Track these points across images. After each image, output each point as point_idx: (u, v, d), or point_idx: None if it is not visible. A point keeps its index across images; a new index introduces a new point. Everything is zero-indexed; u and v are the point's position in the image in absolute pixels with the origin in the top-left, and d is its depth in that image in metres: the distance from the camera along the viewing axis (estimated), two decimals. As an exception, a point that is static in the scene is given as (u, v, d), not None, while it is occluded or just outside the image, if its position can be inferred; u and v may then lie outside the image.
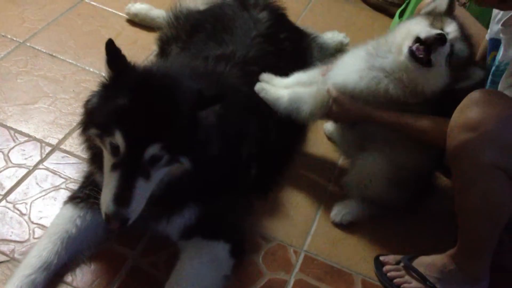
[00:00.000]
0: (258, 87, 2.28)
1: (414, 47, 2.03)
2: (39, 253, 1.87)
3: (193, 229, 1.97)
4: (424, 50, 2.01)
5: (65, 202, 2.03)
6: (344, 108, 2.17)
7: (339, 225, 2.29)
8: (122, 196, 1.69)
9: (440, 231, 2.31)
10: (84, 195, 1.98)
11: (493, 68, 2.03)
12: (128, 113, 1.71)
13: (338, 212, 2.31)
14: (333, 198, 2.38)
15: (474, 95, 1.83)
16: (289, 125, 2.34)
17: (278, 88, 2.29)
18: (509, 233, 2.07)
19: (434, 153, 2.20)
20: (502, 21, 1.97)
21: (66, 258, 1.91)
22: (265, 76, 2.34)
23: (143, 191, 1.72)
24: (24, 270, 1.83)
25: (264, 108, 2.27)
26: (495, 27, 2.10)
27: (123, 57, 1.80)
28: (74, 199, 2.02)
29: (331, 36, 3.20)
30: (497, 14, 2.10)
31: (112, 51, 1.76)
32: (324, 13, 3.65)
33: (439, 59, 2.03)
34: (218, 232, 1.99)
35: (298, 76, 2.35)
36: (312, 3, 3.71)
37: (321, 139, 2.68)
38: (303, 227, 2.28)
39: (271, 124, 2.29)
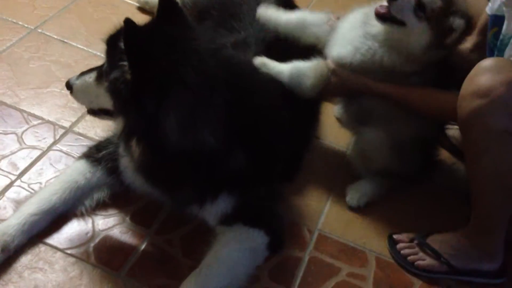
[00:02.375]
0: (258, 61, 2.22)
1: (378, 7, 2.06)
2: (49, 197, 1.96)
3: (233, 216, 1.96)
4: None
5: (80, 157, 2.11)
6: (342, 78, 2.16)
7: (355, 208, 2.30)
8: None
9: (451, 209, 2.32)
10: (101, 157, 2.06)
11: (498, 43, 2.04)
12: None
13: (353, 195, 2.31)
14: (345, 178, 2.39)
15: (484, 63, 1.84)
16: (307, 110, 2.35)
17: (278, 64, 2.24)
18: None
19: (430, 121, 2.22)
20: None
21: (70, 206, 2.00)
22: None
23: None
24: (30, 208, 1.92)
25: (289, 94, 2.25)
26: (496, 3, 2.10)
27: None
28: (89, 157, 2.08)
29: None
30: None
31: None
32: (333, 3, 3.65)
33: (405, 13, 2.03)
34: (260, 221, 1.99)
35: (304, 14, 2.34)
36: (320, -8, 3.72)
37: (333, 123, 2.68)
38: (317, 206, 2.29)
39: (297, 109, 2.27)
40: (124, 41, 1.66)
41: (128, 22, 1.65)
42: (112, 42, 1.84)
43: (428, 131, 2.25)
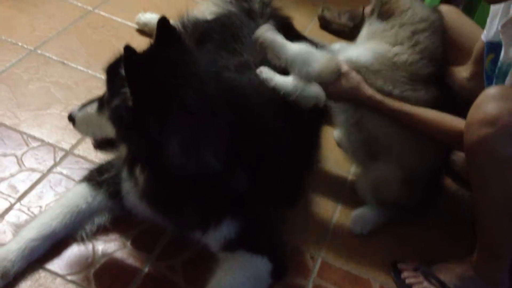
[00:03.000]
0: (260, 71, 2.17)
1: None
2: (49, 222, 1.93)
3: (236, 242, 1.94)
4: None
5: (81, 181, 2.08)
6: (352, 84, 2.10)
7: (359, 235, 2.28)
8: None
9: (456, 236, 2.32)
10: (102, 180, 2.04)
11: (496, 70, 2.05)
12: None
13: (357, 223, 2.30)
14: (348, 203, 2.38)
15: (491, 91, 1.85)
16: (308, 133, 2.35)
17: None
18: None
19: (442, 152, 2.22)
20: (502, 23, 1.99)
21: (70, 231, 1.98)
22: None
23: None
24: (30, 233, 1.89)
25: (293, 117, 2.23)
26: (492, 29, 2.13)
27: None
28: (90, 180, 2.06)
29: (339, 47, 3.21)
30: (494, 17, 2.12)
31: None
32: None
33: None
34: (264, 248, 1.97)
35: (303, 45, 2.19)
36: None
37: (333, 146, 2.68)
38: (320, 233, 2.27)
39: (299, 133, 2.26)
40: (125, 67, 1.66)
41: (127, 49, 1.65)
42: (112, 70, 1.84)
43: (439, 161, 2.25)
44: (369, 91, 2.10)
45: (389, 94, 2.10)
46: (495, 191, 1.84)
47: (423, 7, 2.23)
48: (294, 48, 2.10)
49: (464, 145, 1.88)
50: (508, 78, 1.94)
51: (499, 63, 2.03)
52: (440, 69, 2.18)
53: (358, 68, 2.13)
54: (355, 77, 2.11)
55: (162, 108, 1.69)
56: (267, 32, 2.14)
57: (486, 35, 2.19)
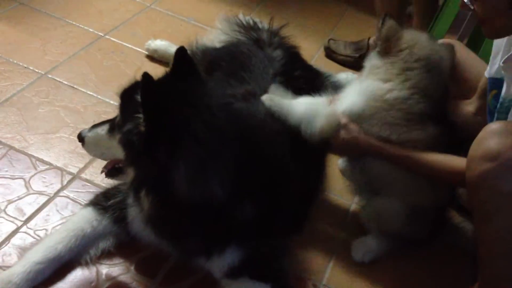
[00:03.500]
0: (265, 97, 2.23)
1: None
2: (55, 245, 1.95)
3: (240, 269, 1.96)
4: None
5: (87, 205, 2.11)
6: (352, 135, 2.16)
7: (360, 263, 2.29)
8: None
9: (458, 269, 2.31)
10: (108, 205, 2.06)
11: (498, 105, 2.07)
12: None
13: (359, 250, 2.31)
14: (351, 233, 2.39)
15: (493, 126, 1.86)
16: (314, 163, 2.36)
17: (289, 100, 2.24)
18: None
19: (445, 189, 2.23)
20: (504, 59, 2.02)
21: (75, 255, 1.99)
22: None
23: None
24: (36, 256, 1.91)
25: (302, 148, 2.24)
26: (494, 66, 2.15)
27: None
28: (96, 205, 2.09)
29: (345, 77, 3.25)
30: (496, 54, 2.15)
31: None
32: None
33: None
34: (267, 276, 1.98)
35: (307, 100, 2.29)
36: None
37: (338, 175, 2.69)
38: (322, 261, 2.27)
39: (305, 162, 2.26)
40: (141, 94, 1.70)
41: (146, 76, 1.69)
42: (126, 95, 1.88)
43: (444, 197, 2.26)
44: (369, 140, 2.15)
45: (387, 140, 2.14)
46: (497, 227, 1.84)
47: (426, 47, 2.22)
48: (299, 109, 2.19)
49: (466, 180, 1.90)
50: (510, 113, 1.96)
51: (500, 99, 2.06)
52: (437, 106, 2.19)
53: (354, 118, 2.17)
54: (354, 128, 2.16)
55: (173, 137, 1.73)
56: (274, 97, 2.23)
57: (489, 71, 2.22)
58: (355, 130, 2.16)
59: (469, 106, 2.40)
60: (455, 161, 2.02)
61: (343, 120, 2.17)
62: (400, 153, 2.12)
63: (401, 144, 2.13)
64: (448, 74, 2.26)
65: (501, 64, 2.03)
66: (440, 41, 2.45)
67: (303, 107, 2.19)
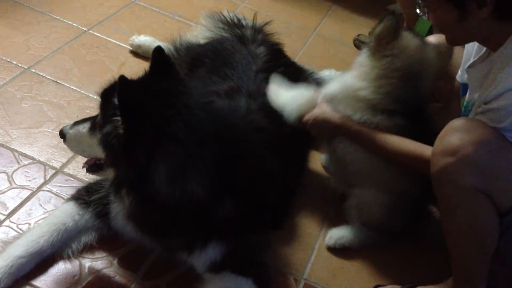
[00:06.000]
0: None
1: None
2: (37, 239, 1.96)
3: (222, 264, 1.98)
4: None
5: (69, 199, 2.12)
6: (323, 110, 2.27)
7: (333, 250, 2.32)
8: None
9: (439, 260, 2.33)
10: (91, 200, 2.07)
11: (462, 109, 2.14)
12: None
13: (332, 236, 2.35)
14: (332, 227, 2.40)
15: (455, 122, 1.90)
16: (294, 158, 2.40)
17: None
18: (503, 266, 2.10)
19: (417, 178, 2.24)
20: (468, 64, 2.06)
21: (57, 249, 2.00)
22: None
23: None
24: (18, 250, 1.92)
25: (283, 144, 2.31)
26: (464, 72, 2.19)
27: None
28: (78, 199, 2.10)
29: (328, 74, 3.28)
30: (467, 60, 2.18)
31: None
32: (321, 53, 3.75)
33: None
34: (248, 270, 2.01)
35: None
36: (309, 43, 3.81)
37: (320, 170, 2.72)
38: (303, 255, 2.30)
39: (286, 158, 2.32)
40: (118, 98, 1.72)
41: (122, 79, 1.70)
42: (106, 96, 1.89)
43: (418, 186, 2.29)
44: (340, 118, 2.23)
45: (350, 119, 2.22)
46: (460, 219, 1.89)
47: (411, 56, 2.22)
48: (287, 94, 2.37)
49: (430, 174, 1.94)
50: (470, 115, 2.01)
51: (464, 103, 2.11)
52: (409, 108, 2.21)
53: (328, 98, 2.28)
54: (327, 106, 2.26)
55: (152, 139, 1.75)
56: (273, 84, 2.42)
57: (460, 76, 2.26)
58: (328, 108, 2.26)
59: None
60: (423, 148, 2.05)
61: (319, 100, 2.29)
62: (369, 132, 2.17)
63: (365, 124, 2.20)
64: (432, 79, 2.28)
65: (465, 68, 2.07)
66: (432, 38, 2.46)
67: (290, 94, 2.34)
